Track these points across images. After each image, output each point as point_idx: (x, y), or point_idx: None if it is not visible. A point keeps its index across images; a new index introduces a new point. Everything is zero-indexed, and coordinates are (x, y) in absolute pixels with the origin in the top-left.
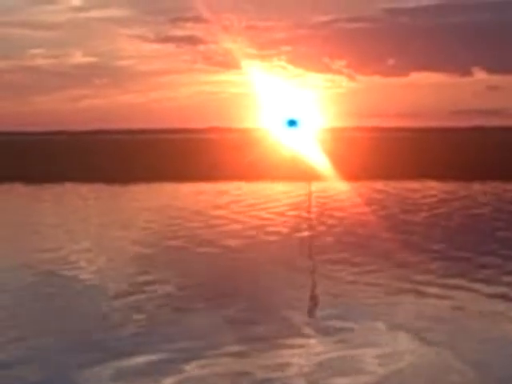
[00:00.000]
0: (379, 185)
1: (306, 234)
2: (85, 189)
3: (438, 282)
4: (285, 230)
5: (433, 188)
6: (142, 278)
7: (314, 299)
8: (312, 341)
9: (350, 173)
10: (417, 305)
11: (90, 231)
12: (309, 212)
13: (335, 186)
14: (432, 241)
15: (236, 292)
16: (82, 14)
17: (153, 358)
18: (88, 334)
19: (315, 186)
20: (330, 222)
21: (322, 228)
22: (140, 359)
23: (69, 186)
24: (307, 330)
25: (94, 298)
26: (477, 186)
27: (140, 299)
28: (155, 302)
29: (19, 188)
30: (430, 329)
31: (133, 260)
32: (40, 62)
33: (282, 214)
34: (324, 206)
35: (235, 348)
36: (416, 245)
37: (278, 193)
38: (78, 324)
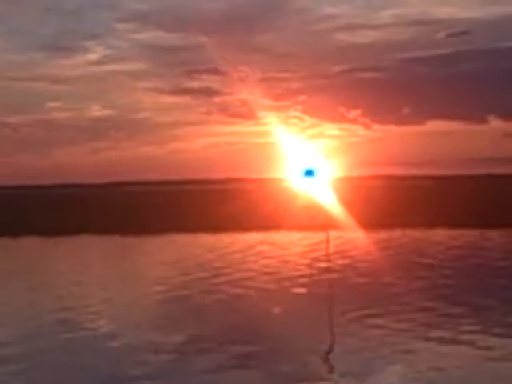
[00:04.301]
0: (396, 233)
1: (323, 282)
2: (102, 241)
3: (458, 333)
4: (302, 279)
5: (451, 236)
6: (159, 331)
7: (332, 350)
8: None
9: (367, 221)
10: (435, 355)
11: (105, 283)
12: (327, 261)
13: (353, 235)
14: (452, 289)
15: (253, 343)
16: (99, 68)
17: None
18: None
19: (333, 235)
20: (348, 270)
21: (340, 276)
22: None
23: (86, 238)
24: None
25: (107, 351)
26: (495, 234)
27: (158, 351)
28: (171, 355)
29: (36, 241)
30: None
31: (150, 312)
32: (57, 115)
33: (299, 264)
34: (342, 254)
35: None
36: (436, 293)
37: (296, 242)
38: (91, 376)
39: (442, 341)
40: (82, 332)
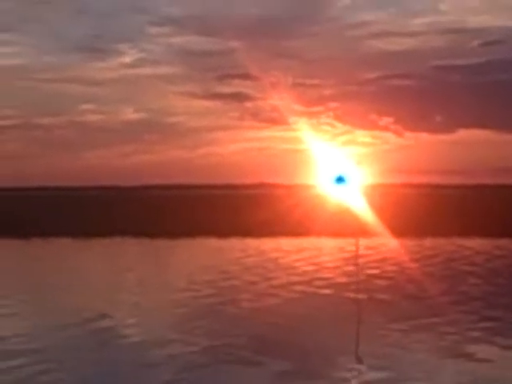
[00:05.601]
0: (427, 242)
1: (353, 288)
2: (134, 244)
3: (488, 344)
4: (332, 287)
5: (482, 245)
6: (189, 333)
7: (360, 355)
8: None
9: (397, 229)
10: (462, 367)
11: (136, 286)
12: (357, 267)
13: (383, 243)
14: (486, 298)
15: (283, 344)
16: (133, 71)
17: None
18: None
19: (363, 242)
20: (378, 278)
21: (370, 284)
22: None
23: (117, 240)
24: None
25: (136, 354)
26: None
27: (186, 355)
28: (202, 358)
29: (67, 242)
30: None
31: (179, 315)
32: (91, 117)
33: (329, 271)
34: (372, 261)
35: None
36: (468, 303)
37: (326, 249)
38: (117, 377)
39: (475, 350)
40: (112, 335)
